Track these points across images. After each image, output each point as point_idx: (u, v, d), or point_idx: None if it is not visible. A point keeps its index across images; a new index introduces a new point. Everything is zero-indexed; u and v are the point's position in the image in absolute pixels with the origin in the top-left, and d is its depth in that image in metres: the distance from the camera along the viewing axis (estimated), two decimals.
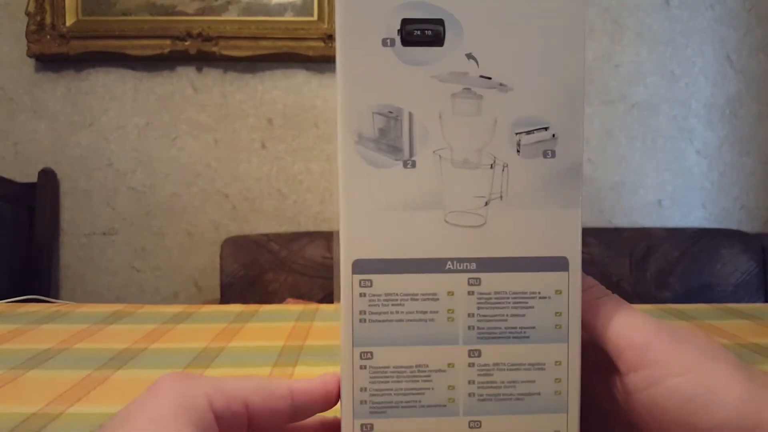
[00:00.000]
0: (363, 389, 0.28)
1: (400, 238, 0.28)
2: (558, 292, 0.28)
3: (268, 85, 1.76)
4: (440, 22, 0.27)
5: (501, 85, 0.27)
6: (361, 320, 0.28)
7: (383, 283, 0.28)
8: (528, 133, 0.28)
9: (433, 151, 0.28)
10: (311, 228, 1.78)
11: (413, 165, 0.28)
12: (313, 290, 1.60)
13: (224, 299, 1.61)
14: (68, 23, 1.67)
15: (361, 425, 0.28)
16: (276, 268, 1.62)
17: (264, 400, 0.28)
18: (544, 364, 0.28)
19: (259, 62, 1.74)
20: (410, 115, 0.27)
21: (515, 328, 0.28)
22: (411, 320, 0.28)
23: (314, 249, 1.64)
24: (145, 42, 1.69)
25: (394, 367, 0.28)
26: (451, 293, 0.28)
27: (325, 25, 1.70)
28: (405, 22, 0.27)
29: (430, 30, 0.27)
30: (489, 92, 0.27)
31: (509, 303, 0.28)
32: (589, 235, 1.70)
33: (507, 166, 0.28)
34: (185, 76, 1.75)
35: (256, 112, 1.76)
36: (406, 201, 0.28)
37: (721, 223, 1.86)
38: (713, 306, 0.80)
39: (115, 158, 1.75)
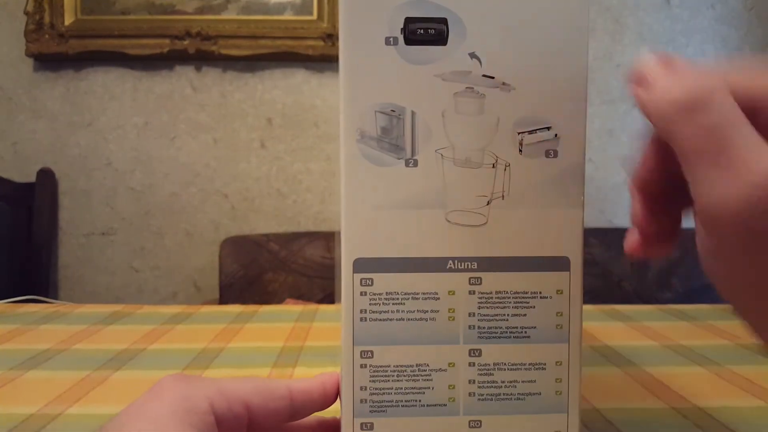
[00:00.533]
0: (363, 388, 0.28)
1: (402, 236, 0.28)
2: (559, 292, 0.28)
3: (268, 85, 1.76)
4: (443, 21, 0.27)
5: (504, 84, 0.27)
6: (361, 319, 0.28)
7: (384, 281, 0.28)
8: (530, 132, 0.28)
9: (436, 150, 0.27)
10: (311, 228, 1.78)
11: (415, 164, 0.27)
12: (312, 290, 1.60)
13: (223, 299, 1.61)
14: (67, 22, 1.67)
15: (361, 424, 0.28)
16: (275, 268, 1.62)
17: (264, 401, 0.28)
18: (545, 364, 0.28)
19: (258, 61, 1.74)
20: (413, 113, 0.27)
21: (516, 327, 0.28)
22: (412, 319, 0.28)
23: (314, 249, 1.64)
24: (144, 41, 1.68)
25: (394, 366, 0.28)
26: (452, 292, 0.28)
27: (325, 25, 1.70)
28: (408, 21, 0.27)
29: (434, 29, 0.27)
30: (492, 91, 0.27)
31: (510, 302, 0.28)
32: (590, 235, 1.70)
33: (509, 165, 0.28)
34: (184, 75, 1.74)
35: (255, 112, 1.76)
36: (407, 200, 0.28)
37: None
38: (714, 306, 0.80)
39: (114, 158, 1.75)
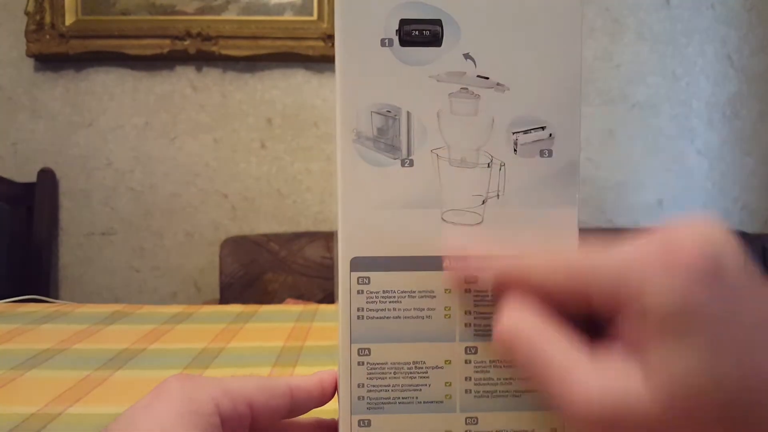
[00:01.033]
0: (361, 385, 0.28)
1: (398, 235, 0.28)
2: None
3: (268, 85, 1.76)
4: (438, 22, 0.27)
5: (498, 84, 0.28)
6: (358, 317, 0.28)
7: (381, 280, 0.28)
8: (525, 132, 0.28)
9: (431, 150, 0.28)
10: (311, 228, 1.78)
11: (411, 164, 0.28)
12: (312, 290, 1.60)
13: (223, 299, 1.61)
14: (67, 23, 1.67)
15: (359, 421, 0.28)
16: (275, 268, 1.62)
17: (266, 399, 0.28)
18: None
19: (258, 62, 1.74)
20: (408, 114, 0.28)
21: None
22: (408, 317, 0.28)
23: (314, 249, 1.64)
24: (144, 41, 1.69)
25: (391, 364, 0.28)
26: (448, 291, 0.28)
27: (325, 25, 1.70)
28: (403, 22, 0.27)
29: (428, 30, 0.27)
30: (486, 92, 0.28)
31: None
32: (590, 235, 1.70)
33: (504, 165, 0.28)
34: (184, 75, 1.75)
35: (255, 112, 1.76)
36: (403, 199, 0.28)
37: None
38: None
39: (114, 158, 1.75)
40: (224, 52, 1.69)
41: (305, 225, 1.78)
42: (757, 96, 1.84)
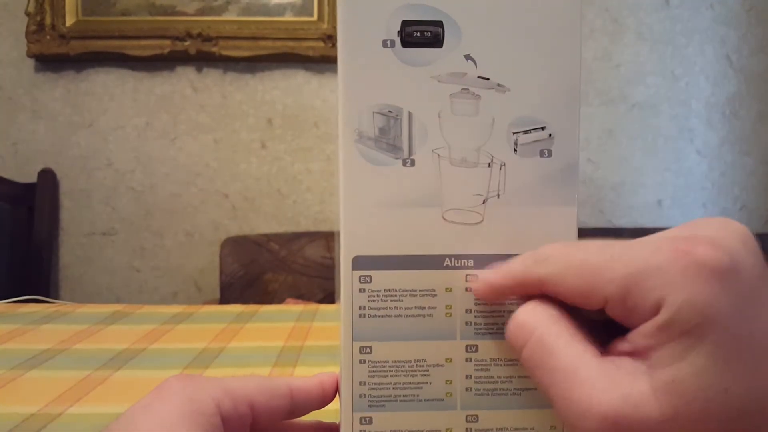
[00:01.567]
0: (362, 383, 0.28)
1: (399, 235, 0.28)
2: None
3: (268, 86, 1.76)
4: (439, 23, 0.27)
5: (499, 85, 0.28)
6: (360, 315, 0.28)
7: (382, 279, 0.28)
8: (525, 132, 0.28)
9: (432, 150, 0.28)
10: (311, 228, 1.78)
11: (412, 163, 0.28)
12: (312, 290, 1.60)
13: (224, 299, 1.61)
14: (68, 23, 1.68)
15: (360, 418, 0.28)
16: (276, 268, 1.62)
17: (267, 399, 0.28)
18: None
19: (258, 62, 1.74)
20: (410, 114, 0.28)
21: None
22: (409, 315, 0.28)
23: (314, 249, 1.64)
24: (144, 42, 1.69)
25: (392, 362, 0.28)
26: (449, 289, 0.28)
27: (325, 25, 1.70)
28: (405, 23, 0.27)
29: (430, 31, 0.27)
30: (487, 92, 0.28)
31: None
32: (590, 235, 1.70)
33: (504, 164, 0.28)
34: (185, 76, 1.75)
35: (255, 113, 1.77)
36: (405, 198, 0.28)
37: None
38: None
39: (115, 158, 1.75)
40: (224, 52, 1.70)
41: (305, 225, 1.79)
42: (757, 96, 1.84)
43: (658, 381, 0.21)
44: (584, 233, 1.74)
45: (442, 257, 0.28)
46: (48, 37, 1.67)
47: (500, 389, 0.29)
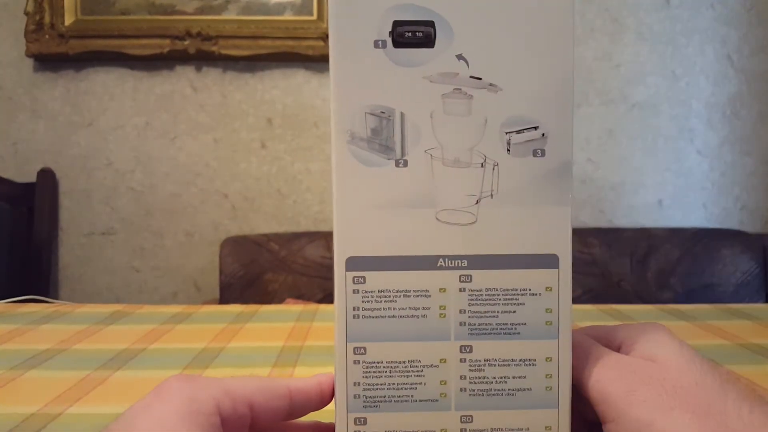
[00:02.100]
0: (356, 384, 0.28)
1: (393, 235, 0.28)
2: (548, 289, 0.29)
3: (268, 85, 1.76)
4: (431, 24, 0.27)
5: (491, 85, 0.28)
6: (354, 316, 0.28)
7: (376, 279, 0.28)
8: (518, 132, 0.28)
9: (425, 151, 0.28)
10: (311, 228, 1.78)
11: (405, 164, 0.28)
12: (312, 290, 1.60)
13: (223, 299, 1.61)
14: (67, 23, 1.68)
15: (355, 419, 0.28)
16: (275, 268, 1.62)
17: (266, 400, 0.28)
18: (535, 360, 0.29)
19: (258, 62, 1.74)
20: (402, 115, 0.28)
21: (506, 324, 0.29)
22: (403, 316, 0.28)
23: (314, 249, 1.64)
24: (144, 41, 1.69)
25: (387, 362, 0.28)
26: (442, 290, 0.28)
27: (325, 25, 1.70)
28: (396, 24, 0.27)
29: (421, 32, 0.27)
30: (479, 92, 0.28)
31: (500, 299, 0.28)
32: (590, 235, 1.70)
33: (497, 164, 0.28)
34: (184, 75, 1.75)
35: (255, 112, 1.77)
36: (398, 199, 0.28)
37: (721, 223, 1.86)
38: (714, 306, 0.80)
39: (115, 158, 1.75)
40: (224, 52, 1.70)
41: (305, 225, 1.79)
42: (757, 96, 1.84)
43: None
44: (584, 233, 1.73)
45: (436, 258, 0.28)
46: (47, 36, 1.67)
47: (494, 390, 0.29)
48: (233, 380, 0.28)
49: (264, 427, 0.29)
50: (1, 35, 1.72)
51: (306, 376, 0.30)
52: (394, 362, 0.28)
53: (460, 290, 0.28)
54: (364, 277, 0.28)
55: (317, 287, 1.60)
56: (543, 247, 0.29)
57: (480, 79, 0.28)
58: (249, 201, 1.78)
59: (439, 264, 0.28)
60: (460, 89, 0.28)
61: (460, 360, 0.29)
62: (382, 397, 0.28)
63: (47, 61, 1.72)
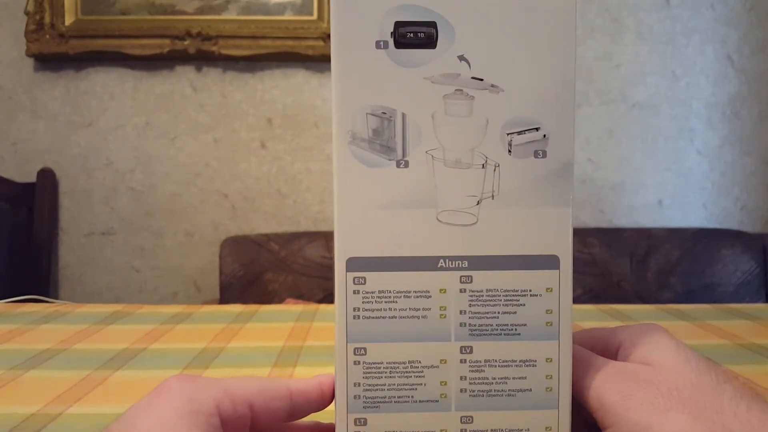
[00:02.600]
0: (357, 384, 0.28)
1: (393, 236, 0.28)
2: (549, 290, 0.29)
3: (268, 85, 1.76)
4: (433, 24, 0.27)
5: (492, 86, 0.28)
6: (354, 317, 0.28)
7: (376, 280, 0.28)
8: (519, 133, 0.28)
9: (426, 151, 0.28)
10: (311, 228, 1.78)
11: (406, 165, 0.28)
12: (312, 290, 1.60)
13: (223, 299, 1.61)
14: (67, 22, 1.68)
15: (355, 419, 0.28)
16: (275, 268, 1.62)
17: (266, 401, 0.28)
18: (535, 361, 0.29)
19: (258, 62, 1.74)
20: (403, 115, 0.28)
21: (507, 325, 0.29)
22: (404, 317, 0.28)
23: (314, 249, 1.64)
24: (144, 41, 1.69)
25: (387, 363, 0.28)
26: (443, 290, 0.28)
27: (325, 24, 1.70)
28: (398, 24, 0.27)
29: (423, 32, 0.27)
30: (481, 93, 0.28)
31: (501, 300, 0.28)
32: (590, 235, 1.71)
33: (498, 165, 0.28)
34: (184, 75, 1.75)
35: (255, 112, 1.77)
36: (399, 200, 0.28)
37: (721, 223, 1.86)
38: (714, 306, 0.80)
39: (115, 158, 1.75)
40: (224, 51, 1.70)
41: (305, 225, 1.79)
42: (757, 96, 1.84)
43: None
44: (585, 233, 1.73)
45: (437, 258, 0.28)
46: (47, 36, 1.67)
47: (495, 390, 0.29)
48: (233, 380, 0.28)
49: (264, 428, 0.29)
50: (1, 35, 1.72)
51: (306, 376, 0.30)
52: (394, 363, 0.28)
53: (461, 291, 0.28)
54: (364, 278, 0.28)
55: (317, 287, 1.60)
56: (543, 248, 0.29)
57: (481, 80, 0.28)
58: (249, 201, 1.78)
59: (439, 265, 0.28)
60: (462, 90, 0.28)
61: (461, 361, 0.29)
62: (382, 397, 0.28)
63: (47, 61, 1.72)
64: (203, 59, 1.73)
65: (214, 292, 1.74)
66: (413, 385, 0.28)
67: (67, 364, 0.57)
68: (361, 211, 0.28)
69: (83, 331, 0.68)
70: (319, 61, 1.73)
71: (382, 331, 0.28)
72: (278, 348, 0.62)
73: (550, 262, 0.29)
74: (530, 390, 0.29)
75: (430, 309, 0.28)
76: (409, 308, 0.28)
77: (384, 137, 0.28)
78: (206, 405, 0.26)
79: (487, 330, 0.29)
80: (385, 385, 0.28)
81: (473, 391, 0.29)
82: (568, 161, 0.28)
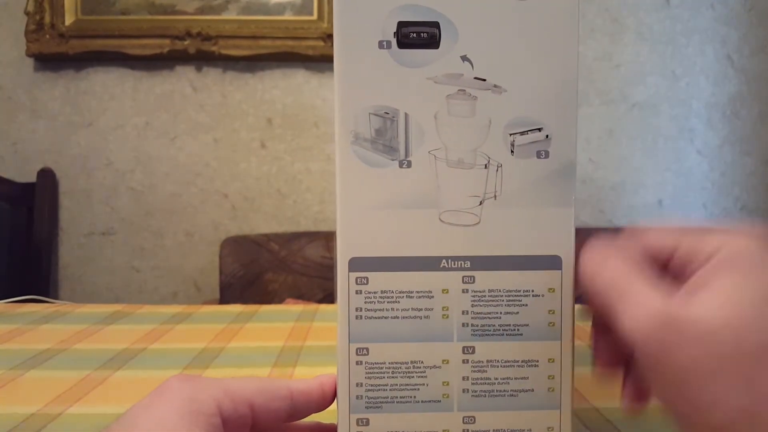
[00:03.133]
0: (359, 384, 0.28)
1: (396, 236, 0.28)
2: (551, 290, 0.29)
3: (268, 85, 1.76)
4: (436, 24, 0.27)
5: (495, 86, 0.28)
6: (357, 317, 0.28)
7: (379, 280, 0.28)
8: (522, 133, 0.28)
9: (429, 152, 0.28)
10: (311, 228, 1.78)
11: (409, 165, 0.28)
12: (312, 290, 1.60)
13: (223, 299, 1.61)
14: (67, 22, 1.68)
15: (357, 420, 0.28)
16: (275, 268, 1.62)
17: (267, 401, 0.28)
18: (538, 361, 0.29)
19: (258, 62, 1.74)
20: (406, 115, 0.28)
21: (509, 325, 0.29)
22: (406, 317, 0.28)
23: (314, 249, 1.64)
24: (144, 41, 1.69)
25: (389, 363, 0.28)
26: (445, 291, 0.28)
27: (325, 25, 1.70)
28: (401, 24, 0.27)
29: (426, 33, 0.27)
30: (483, 93, 0.28)
31: (503, 301, 0.28)
32: (590, 235, 1.70)
33: (501, 166, 0.28)
34: (184, 75, 1.75)
35: (255, 112, 1.77)
36: (401, 200, 0.28)
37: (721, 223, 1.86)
38: None
39: (115, 158, 1.75)
40: (224, 51, 1.69)
41: (305, 225, 1.79)
42: (757, 96, 1.84)
43: (713, 299, 0.24)
44: (585, 233, 1.75)
45: (439, 259, 0.28)
46: (47, 36, 1.67)
47: (497, 390, 0.29)
48: (234, 381, 0.28)
49: (265, 428, 0.29)
50: (1, 35, 1.72)
51: (306, 376, 0.30)
52: (396, 363, 0.28)
53: (463, 291, 0.28)
54: (366, 278, 0.28)
55: (317, 287, 1.60)
56: (546, 249, 0.29)
57: (484, 80, 0.28)
58: (249, 201, 1.78)
59: (442, 265, 0.28)
60: (465, 90, 0.28)
61: (463, 361, 0.29)
62: (384, 397, 0.28)
63: (47, 61, 1.72)
64: (203, 59, 1.73)
65: (214, 292, 1.74)
66: (416, 385, 0.28)
67: (67, 364, 0.57)
68: (363, 211, 0.28)
69: (83, 331, 0.68)
70: (319, 61, 1.73)
71: (385, 332, 0.28)
72: (278, 348, 0.62)
73: (552, 262, 0.29)
74: (532, 390, 0.29)
75: (432, 309, 0.28)
76: (412, 308, 0.28)
77: (386, 137, 0.28)
78: (207, 405, 0.26)
79: (490, 330, 0.29)
80: (387, 385, 0.28)
81: (475, 391, 0.29)
82: (571, 162, 0.28)
